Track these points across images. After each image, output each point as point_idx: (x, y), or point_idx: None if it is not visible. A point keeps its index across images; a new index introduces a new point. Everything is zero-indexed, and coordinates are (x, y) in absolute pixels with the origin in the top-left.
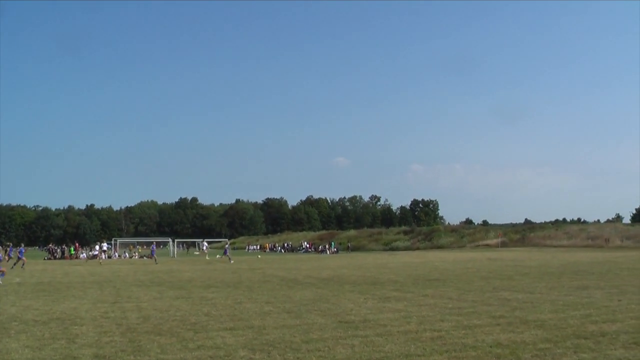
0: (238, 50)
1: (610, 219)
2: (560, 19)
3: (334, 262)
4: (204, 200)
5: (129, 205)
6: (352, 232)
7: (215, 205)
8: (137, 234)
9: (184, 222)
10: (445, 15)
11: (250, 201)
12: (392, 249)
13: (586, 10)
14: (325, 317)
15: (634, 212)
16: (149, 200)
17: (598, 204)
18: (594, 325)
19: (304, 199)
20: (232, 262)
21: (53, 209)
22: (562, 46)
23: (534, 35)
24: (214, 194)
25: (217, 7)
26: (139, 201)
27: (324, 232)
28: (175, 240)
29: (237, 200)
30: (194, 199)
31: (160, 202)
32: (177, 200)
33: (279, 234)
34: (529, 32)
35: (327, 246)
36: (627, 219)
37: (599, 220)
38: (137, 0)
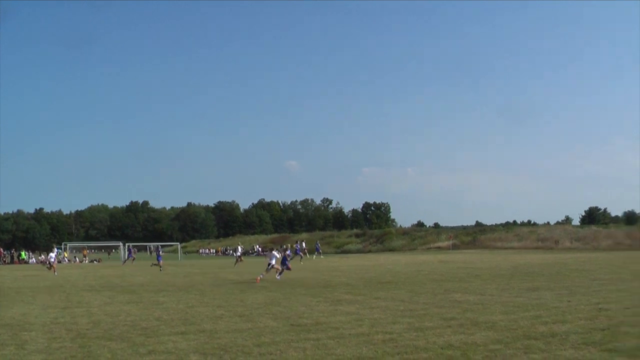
0: (187, 49)
1: (560, 221)
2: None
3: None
4: (156, 203)
5: (79, 209)
6: (304, 236)
7: (167, 208)
8: (87, 238)
9: (135, 225)
10: (393, 15)
11: (201, 204)
12: (344, 252)
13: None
14: (277, 320)
15: (583, 214)
16: (100, 204)
17: (548, 207)
18: (544, 326)
19: (255, 202)
20: (161, 270)
21: (2, 213)
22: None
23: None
24: (166, 197)
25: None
26: (89, 205)
27: (276, 235)
28: (127, 244)
29: (189, 204)
30: (145, 203)
31: (110, 206)
32: (128, 203)
33: (230, 237)
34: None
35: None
36: (576, 221)
37: (549, 223)
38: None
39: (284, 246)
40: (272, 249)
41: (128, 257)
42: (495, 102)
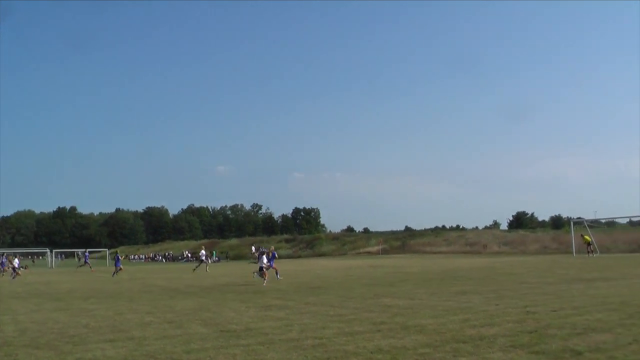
0: (107, 49)
1: (488, 225)
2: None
3: (215, 271)
4: (84, 209)
5: (5, 215)
6: (234, 241)
7: (95, 214)
8: (13, 244)
9: (63, 232)
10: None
11: (130, 210)
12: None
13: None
14: (207, 326)
15: (511, 218)
16: (26, 210)
17: (477, 212)
18: (472, 330)
19: (185, 207)
20: (92, 270)
21: None
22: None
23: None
24: (94, 202)
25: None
26: (15, 210)
27: (205, 241)
28: (54, 250)
29: (118, 209)
30: (73, 208)
31: (37, 212)
32: (55, 209)
33: (160, 243)
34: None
35: (208, 255)
36: (504, 226)
37: (477, 227)
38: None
39: (263, 248)
40: (262, 253)
41: (85, 263)
42: (424, 106)
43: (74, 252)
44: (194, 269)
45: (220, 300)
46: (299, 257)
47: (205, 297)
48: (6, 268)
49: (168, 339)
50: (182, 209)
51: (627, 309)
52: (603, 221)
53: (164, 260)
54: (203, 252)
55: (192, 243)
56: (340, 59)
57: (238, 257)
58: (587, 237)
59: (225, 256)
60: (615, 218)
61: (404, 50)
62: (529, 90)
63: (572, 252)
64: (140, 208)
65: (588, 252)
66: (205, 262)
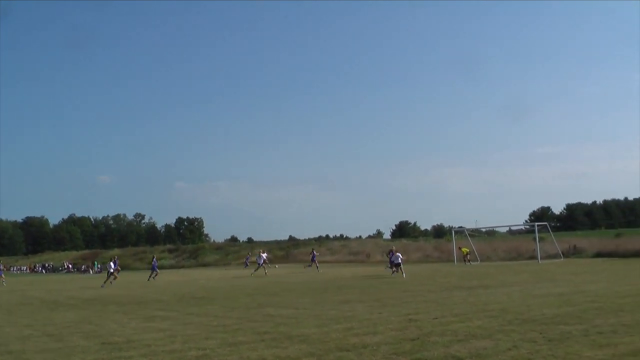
0: None
1: (372, 234)
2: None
3: (97, 282)
4: None
5: None
6: (116, 251)
7: None
8: None
9: None
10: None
11: (8, 220)
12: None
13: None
14: (88, 339)
15: (394, 227)
16: None
17: (360, 221)
18: (356, 338)
19: (66, 217)
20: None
21: None
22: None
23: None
24: None
25: None
26: None
27: (87, 251)
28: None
29: None
30: None
31: None
32: None
33: (40, 254)
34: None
35: (90, 266)
36: (387, 235)
37: (360, 236)
38: None
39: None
40: (261, 251)
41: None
42: (305, 114)
43: None
44: (254, 271)
45: (102, 312)
46: (182, 267)
47: (86, 309)
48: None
49: (48, 353)
50: (63, 218)
51: (506, 316)
52: (484, 230)
53: (44, 272)
54: (263, 255)
55: (73, 253)
56: (222, 65)
57: (120, 268)
58: (464, 248)
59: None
60: (495, 227)
61: (278, 57)
62: (423, 105)
63: (453, 261)
64: (19, 218)
65: (465, 261)
66: (262, 265)
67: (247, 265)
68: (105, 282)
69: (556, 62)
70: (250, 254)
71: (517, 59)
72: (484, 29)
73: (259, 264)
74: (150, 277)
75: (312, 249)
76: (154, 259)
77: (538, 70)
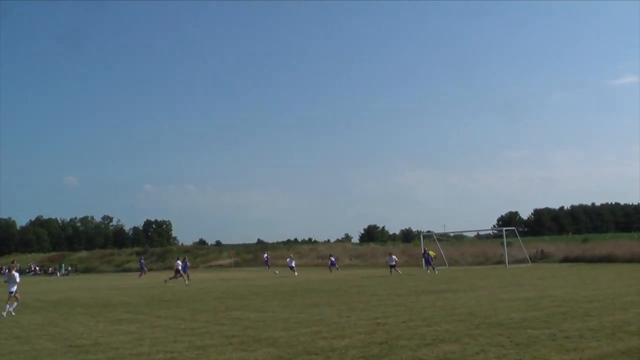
0: None
1: (340, 238)
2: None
3: (64, 285)
4: None
5: None
6: (83, 254)
7: None
8: None
9: None
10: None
11: None
12: (125, 271)
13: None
14: (55, 341)
15: (362, 232)
16: None
17: (328, 225)
18: (324, 341)
19: (33, 219)
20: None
21: None
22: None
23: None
24: None
25: None
26: None
27: (54, 253)
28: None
29: None
30: None
31: None
32: None
33: (6, 255)
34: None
35: (57, 268)
36: (355, 239)
37: (329, 240)
38: None
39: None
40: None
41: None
42: (271, 116)
43: None
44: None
45: (69, 314)
46: (150, 270)
47: (53, 311)
48: None
49: (15, 355)
50: (30, 220)
51: (474, 320)
52: (452, 234)
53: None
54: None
55: (40, 255)
56: (186, 67)
57: (88, 270)
58: (431, 251)
59: (74, 269)
60: (464, 232)
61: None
62: (391, 107)
63: (421, 265)
64: None
65: (429, 265)
66: (294, 268)
67: (268, 265)
68: (186, 279)
69: (526, 67)
70: (267, 253)
71: (493, 64)
72: (466, 29)
73: (290, 267)
74: (185, 280)
75: (267, 253)
76: (185, 260)
77: (508, 75)
